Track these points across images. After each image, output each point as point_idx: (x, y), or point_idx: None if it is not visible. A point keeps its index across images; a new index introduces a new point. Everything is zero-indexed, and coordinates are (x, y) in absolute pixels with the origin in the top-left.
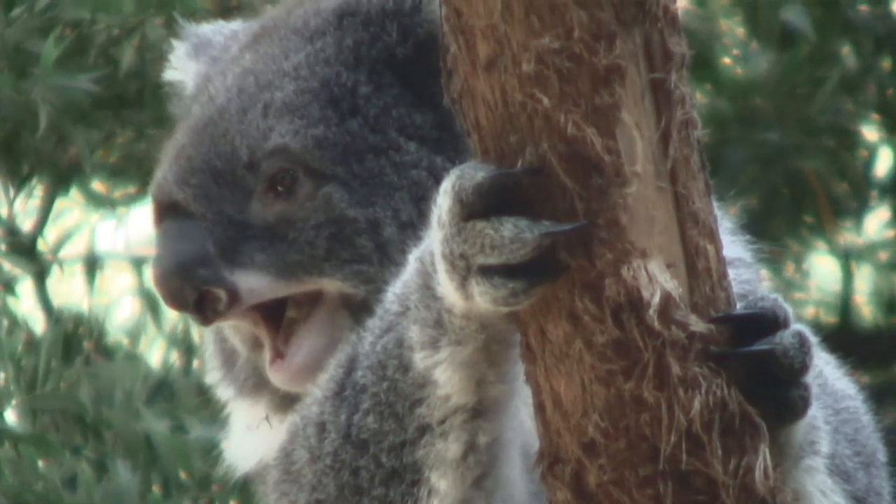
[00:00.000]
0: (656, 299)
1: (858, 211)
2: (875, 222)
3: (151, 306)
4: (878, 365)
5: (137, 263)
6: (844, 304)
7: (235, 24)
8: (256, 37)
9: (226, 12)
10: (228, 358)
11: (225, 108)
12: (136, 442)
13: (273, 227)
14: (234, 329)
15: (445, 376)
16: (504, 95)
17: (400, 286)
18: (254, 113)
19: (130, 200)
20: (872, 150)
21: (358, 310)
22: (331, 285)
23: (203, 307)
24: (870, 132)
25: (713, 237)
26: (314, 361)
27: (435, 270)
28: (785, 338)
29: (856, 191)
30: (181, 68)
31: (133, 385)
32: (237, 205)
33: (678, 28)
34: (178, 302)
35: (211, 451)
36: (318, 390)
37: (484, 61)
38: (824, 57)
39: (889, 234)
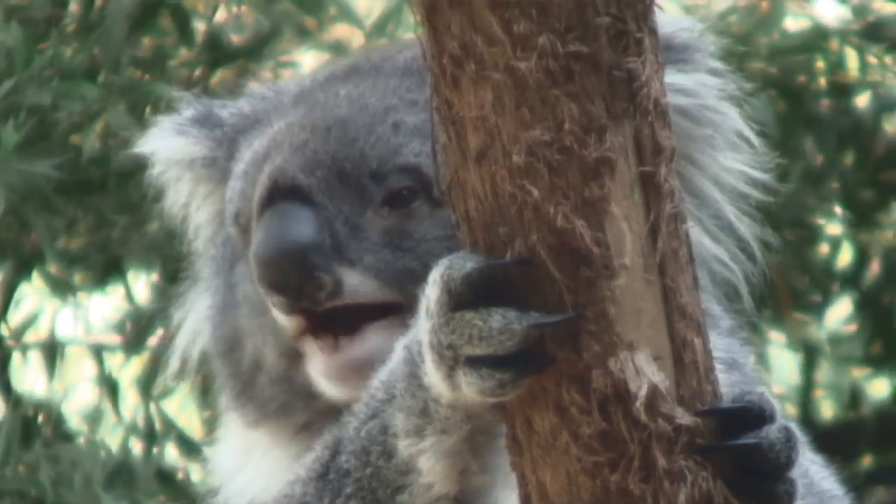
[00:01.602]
0: (643, 392)
1: (820, 305)
2: (835, 316)
3: (111, 393)
4: (838, 461)
5: (97, 350)
6: (804, 398)
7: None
8: (350, 74)
9: None
10: (247, 379)
11: (349, 119)
12: None
13: (385, 236)
14: (270, 339)
15: (429, 465)
16: (494, 187)
17: (386, 374)
18: (383, 128)
19: (91, 287)
20: (835, 244)
21: None
22: None
23: (302, 294)
24: (832, 226)
25: (700, 330)
26: (372, 362)
27: (422, 360)
28: (771, 432)
29: (817, 285)
30: (168, 140)
31: (93, 468)
32: (355, 208)
33: (668, 121)
34: (284, 282)
35: None
36: (302, 471)
37: (474, 152)
38: (787, 151)
39: (850, 328)
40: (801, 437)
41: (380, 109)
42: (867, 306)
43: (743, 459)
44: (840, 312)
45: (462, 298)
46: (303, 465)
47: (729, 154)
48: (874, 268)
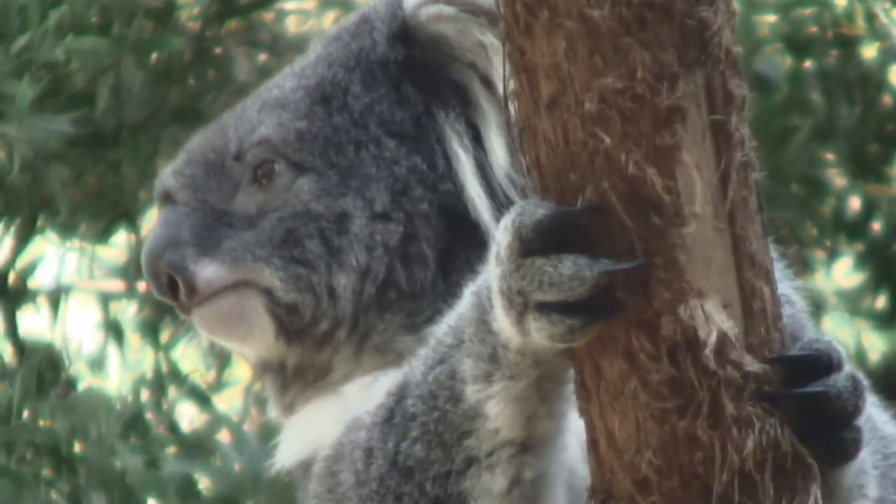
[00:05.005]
0: (712, 339)
1: (828, 259)
2: (842, 270)
3: (117, 339)
4: None
5: (103, 297)
6: None
7: None
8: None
9: (202, 52)
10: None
11: (236, 108)
12: (112, 476)
13: (252, 216)
14: None
15: (496, 410)
16: (566, 134)
17: (455, 319)
18: (252, 109)
19: (97, 236)
20: (841, 198)
21: (278, 310)
22: (267, 279)
23: (177, 295)
24: (839, 180)
25: (769, 279)
26: (229, 315)
27: (492, 306)
28: (839, 380)
29: (825, 238)
30: None
31: (108, 419)
32: (224, 195)
33: (739, 70)
34: (154, 286)
35: (185, 487)
36: (366, 416)
37: (546, 100)
38: (796, 106)
39: (855, 279)
40: (866, 385)
41: (264, 89)
42: (873, 259)
43: (810, 407)
44: (847, 266)
45: (532, 245)
46: (366, 411)
47: None
48: (880, 221)
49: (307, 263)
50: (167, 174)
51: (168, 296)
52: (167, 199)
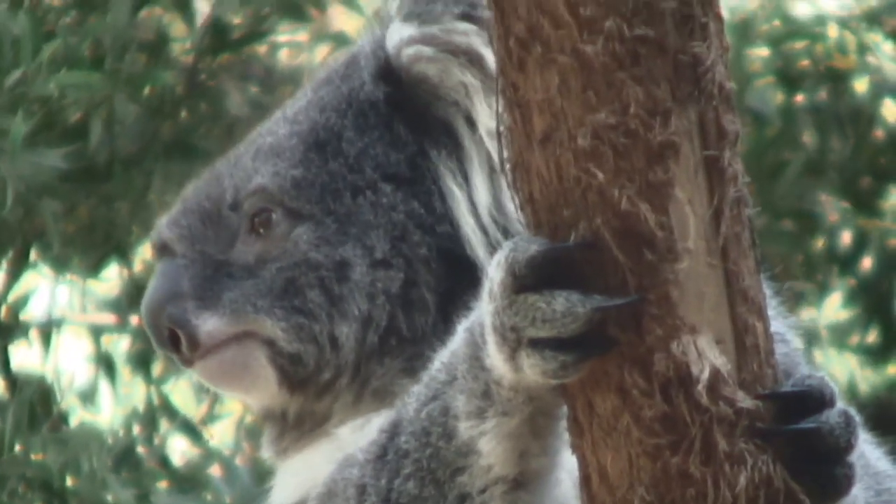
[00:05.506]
0: (705, 375)
1: (819, 293)
2: (833, 304)
3: (108, 372)
4: None
5: (95, 330)
6: None
7: None
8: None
9: (194, 86)
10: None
11: (230, 156)
12: None
13: (251, 266)
14: None
15: (489, 447)
16: (559, 170)
17: (447, 355)
18: (246, 157)
19: (89, 269)
20: (833, 233)
21: (281, 361)
22: (269, 329)
23: (178, 348)
24: (831, 213)
25: (762, 315)
26: (233, 365)
27: (484, 342)
28: (831, 416)
29: (817, 274)
30: None
31: (100, 453)
32: (222, 245)
33: (732, 106)
34: (155, 339)
35: None
36: (359, 453)
37: (539, 135)
38: (788, 140)
39: (846, 314)
40: (858, 421)
41: (257, 136)
42: (865, 293)
43: (803, 443)
44: (838, 300)
45: (525, 281)
46: (359, 448)
47: None
48: (872, 255)
49: (308, 313)
50: (163, 225)
51: (169, 349)
52: (165, 250)
